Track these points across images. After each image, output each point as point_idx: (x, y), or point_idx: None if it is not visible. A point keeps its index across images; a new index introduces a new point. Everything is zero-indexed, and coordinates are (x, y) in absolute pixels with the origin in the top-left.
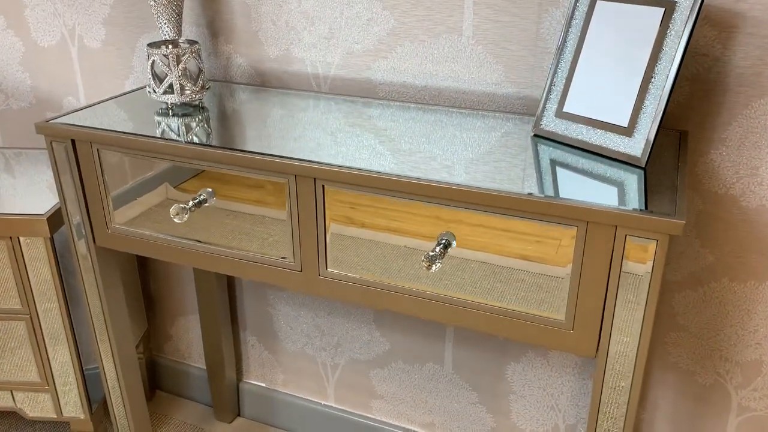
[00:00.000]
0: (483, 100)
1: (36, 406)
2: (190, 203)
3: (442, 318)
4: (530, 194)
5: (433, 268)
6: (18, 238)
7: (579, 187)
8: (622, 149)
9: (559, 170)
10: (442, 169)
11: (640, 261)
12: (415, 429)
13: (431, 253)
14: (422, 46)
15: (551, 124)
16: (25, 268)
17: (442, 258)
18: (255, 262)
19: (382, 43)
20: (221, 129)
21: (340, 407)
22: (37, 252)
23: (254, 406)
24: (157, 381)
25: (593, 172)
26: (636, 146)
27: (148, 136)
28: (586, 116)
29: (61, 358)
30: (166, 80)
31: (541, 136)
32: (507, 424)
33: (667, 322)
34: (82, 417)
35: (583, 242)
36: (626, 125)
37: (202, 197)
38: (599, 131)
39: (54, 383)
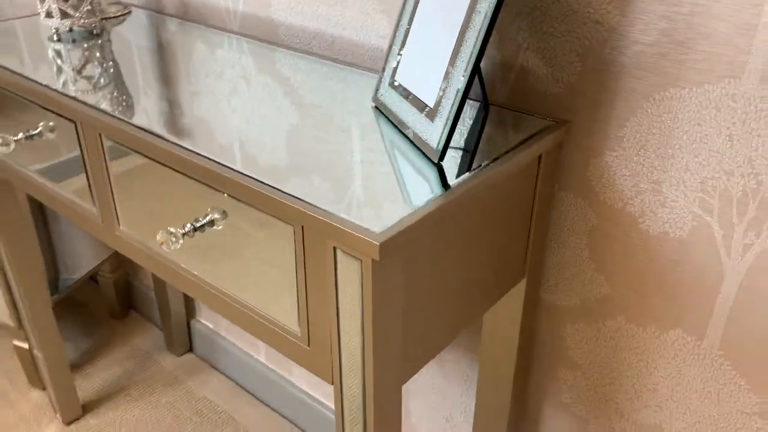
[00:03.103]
0: (375, 56)
1: None
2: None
3: (201, 299)
4: (255, 180)
5: (169, 247)
6: None
7: (353, 180)
8: (424, 136)
9: (361, 153)
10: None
11: (352, 283)
12: (329, 403)
13: (172, 230)
14: None
15: (385, 94)
16: None
17: (181, 238)
18: (69, 206)
19: None
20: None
21: (270, 366)
22: None
23: (203, 346)
24: (132, 302)
25: (393, 162)
26: (433, 135)
27: None
28: (408, 90)
29: None
30: (45, 2)
31: (378, 108)
32: (408, 426)
33: (558, 355)
34: (11, 324)
35: (302, 247)
36: (432, 106)
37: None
38: (415, 111)
39: None
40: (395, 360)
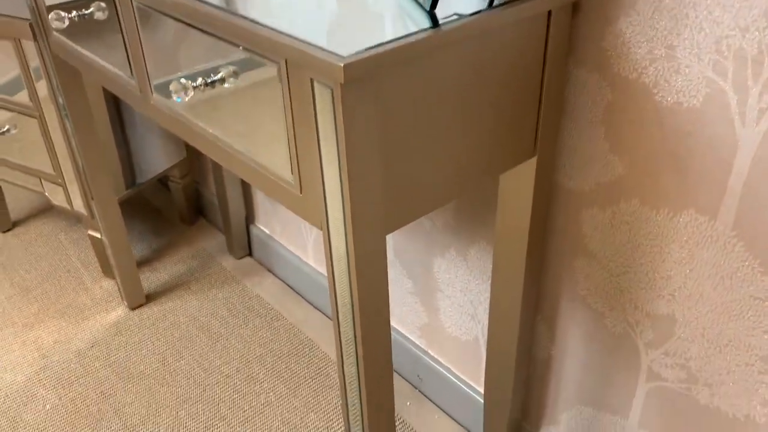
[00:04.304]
0: None
1: (56, 196)
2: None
3: (217, 158)
4: (241, 17)
5: (180, 96)
6: (19, 40)
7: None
8: None
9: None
10: None
11: (326, 113)
12: None
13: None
14: None
15: None
16: (27, 66)
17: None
18: (111, 78)
19: None
20: None
21: (317, 268)
22: (33, 54)
23: (260, 250)
24: (200, 209)
25: (385, 8)
26: None
27: None
28: None
29: (62, 156)
30: None
31: None
32: (437, 322)
33: (575, 244)
34: (85, 213)
35: (288, 89)
36: None
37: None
38: None
39: (64, 178)
40: (376, 205)
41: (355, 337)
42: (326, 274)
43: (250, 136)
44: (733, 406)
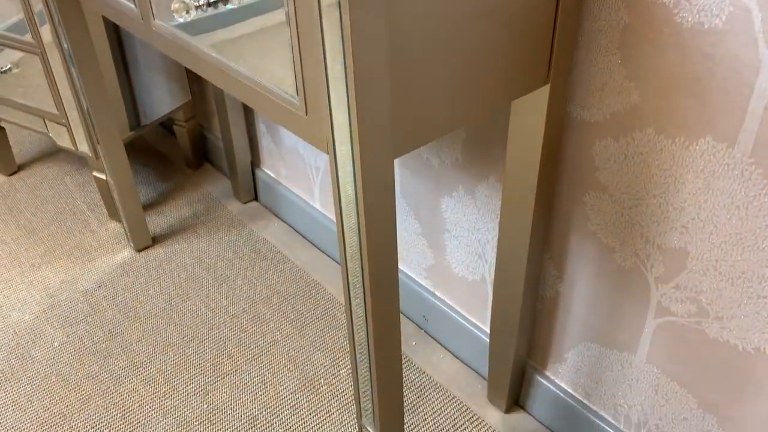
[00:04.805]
0: None
1: (60, 138)
2: None
3: (215, 80)
4: None
5: (181, 16)
6: None
7: None
8: None
9: None
10: None
11: (337, 31)
12: None
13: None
14: None
15: None
16: (30, 6)
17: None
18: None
19: None
20: None
21: (323, 211)
22: None
23: (266, 194)
24: (205, 154)
25: None
26: None
27: None
28: None
29: (66, 95)
30: None
31: None
32: (443, 263)
33: (586, 178)
34: (90, 154)
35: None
36: None
37: None
38: None
39: (68, 118)
40: (384, 125)
41: (362, 269)
42: (332, 218)
43: (254, 57)
44: (744, 339)
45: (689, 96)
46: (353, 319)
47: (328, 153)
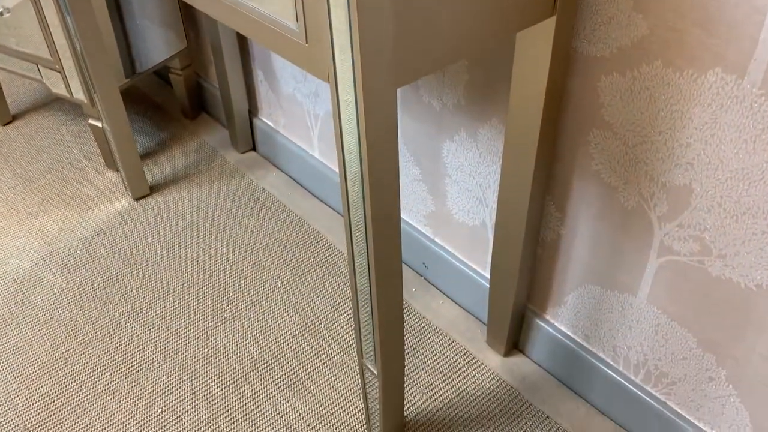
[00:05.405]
0: None
1: (55, 84)
2: None
3: (209, 10)
4: None
5: None
6: None
7: None
8: None
9: None
10: None
11: None
12: None
13: None
14: None
15: None
16: None
17: None
18: None
19: None
20: None
21: (322, 160)
22: None
23: (264, 144)
24: (202, 104)
25: None
26: None
27: None
28: None
29: (60, 41)
30: None
31: None
32: (444, 209)
33: (591, 115)
34: (85, 101)
35: None
36: None
37: None
38: None
39: (62, 64)
40: (386, 52)
41: (364, 207)
42: (332, 167)
43: None
44: (746, 276)
45: (699, 26)
46: (355, 266)
47: (329, 81)
